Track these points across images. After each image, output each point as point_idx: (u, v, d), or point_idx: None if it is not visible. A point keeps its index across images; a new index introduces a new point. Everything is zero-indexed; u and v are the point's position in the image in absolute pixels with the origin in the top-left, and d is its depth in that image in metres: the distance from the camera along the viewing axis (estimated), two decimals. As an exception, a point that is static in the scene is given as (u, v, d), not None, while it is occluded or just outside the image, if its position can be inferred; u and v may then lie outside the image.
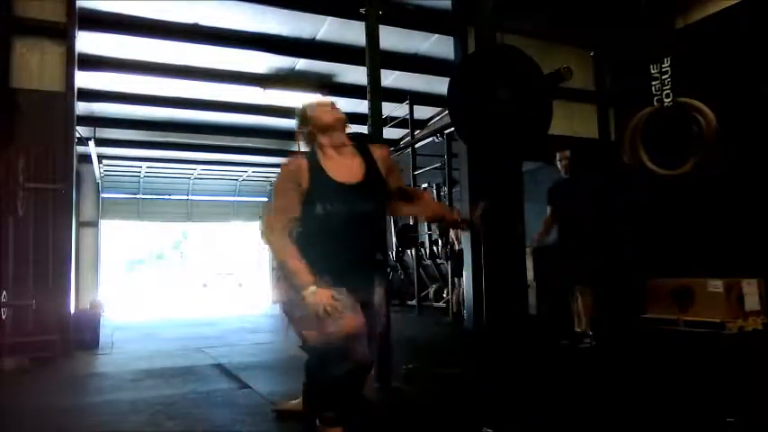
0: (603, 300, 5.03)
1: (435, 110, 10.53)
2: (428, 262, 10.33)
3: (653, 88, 4.46)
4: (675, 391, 3.40)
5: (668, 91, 4.39)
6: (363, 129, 4.24)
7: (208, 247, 28.58)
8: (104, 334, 6.52)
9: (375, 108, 3.94)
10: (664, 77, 4.42)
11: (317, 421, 2.29)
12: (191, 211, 15.36)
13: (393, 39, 7.28)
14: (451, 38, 6.99)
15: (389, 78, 8.55)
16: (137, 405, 3.41)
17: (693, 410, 2.93)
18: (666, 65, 4.42)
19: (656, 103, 4.45)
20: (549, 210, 5.32)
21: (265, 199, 15.85)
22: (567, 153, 5.22)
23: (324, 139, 2.37)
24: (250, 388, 3.82)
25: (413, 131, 9.35)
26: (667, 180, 4.44)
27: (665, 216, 6.03)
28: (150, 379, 4.28)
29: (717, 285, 4.95)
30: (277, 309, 2.40)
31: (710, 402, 3.03)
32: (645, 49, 4.69)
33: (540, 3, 6.24)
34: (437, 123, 10.57)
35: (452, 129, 6.72)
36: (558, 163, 5.26)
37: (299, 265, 2.16)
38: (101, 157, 11.70)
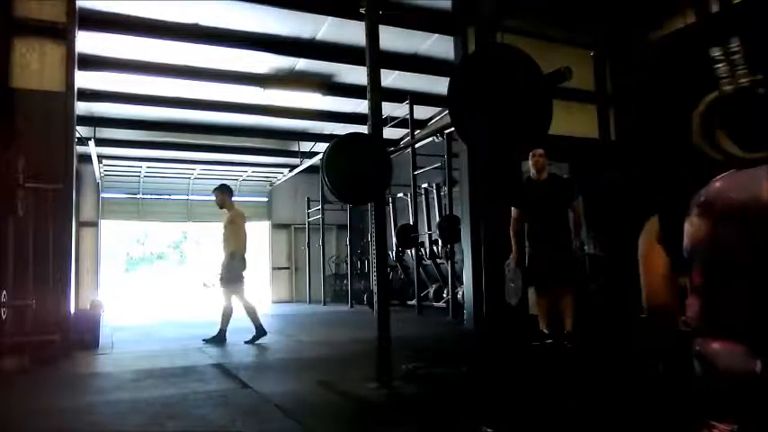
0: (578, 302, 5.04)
1: (435, 110, 10.53)
2: (428, 262, 10.33)
3: (722, 70, 4.23)
4: (675, 390, 3.40)
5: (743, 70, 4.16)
6: (363, 129, 4.24)
7: (208, 247, 28.56)
8: (104, 334, 6.52)
9: (375, 108, 3.94)
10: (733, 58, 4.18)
11: None
12: (191, 211, 15.36)
13: (393, 39, 7.28)
14: (451, 38, 6.99)
15: (389, 78, 8.55)
16: (137, 405, 3.41)
17: (692, 410, 2.93)
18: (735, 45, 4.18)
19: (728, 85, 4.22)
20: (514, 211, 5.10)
21: (265, 199, 15.88)
22: (541, 151, 5.08)
23: None
24: (250, 388, 3.81)
25: (413, 131, 9.36)
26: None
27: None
28: (150, 379, 4.28)
29: (717, 285, 4.95)
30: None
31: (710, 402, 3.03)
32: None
33: (541, 3, 6.23)
34: (437, 123, 10.57)
35: (452, 129, 6.71)
36: (530, 159, 5.09)
37: None
38: (101, 157, 11.71)
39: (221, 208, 6.73)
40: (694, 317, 1.53)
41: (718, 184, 1.50)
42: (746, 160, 1.79)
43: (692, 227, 1.52)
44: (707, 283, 1.49)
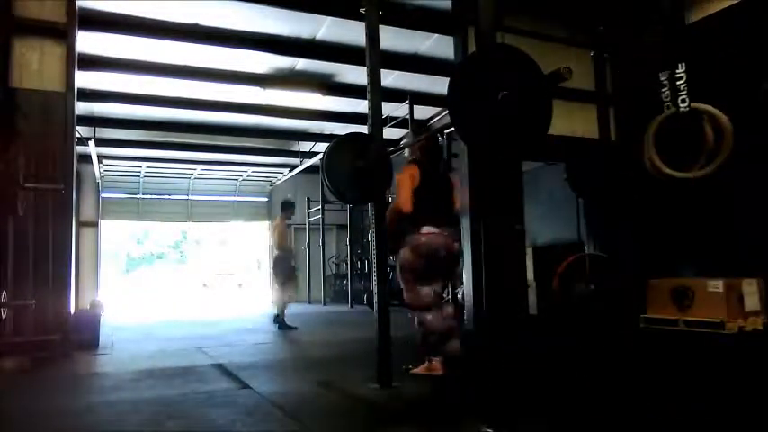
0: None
1: (435, 110, 10.53)
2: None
3: (664, 94, 4.33)
4: (674, 390, 3.40)
5: (684, 96, 4.25)
6: (363, 129, 4.24)
7: (208, 247, 28.60)
8: (104, 334, 6.52)
9: (375, 108, 3.94)
10: (678, 83, 4.26)
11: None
12: (191, 211, 15.37)
13: (393, 39, 7.28)
14: (451, 38, 6.97)
15: (389, 78, 8.55)
16: (137, 405, 3.41)
17: (693, 410, 2.94)
18: (681, 70, 4.26)
19: (671, 108, 4.32)
20: None
21: (265, 199, 15.89)
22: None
23: None
24: (250, 388, 3.81)
25: (413, 131, 9.35)
26: (675, 182, 4.38)
27: (667, 217, 6.01)
28: (150, 379, 4.28)
29: (717, 285, 4.94)
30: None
31: (710, 402, 3.03)
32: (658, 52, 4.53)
33: (540, 3, 6.23)
34: (437, 123, 10.57)
35: (452, 129, 6.71)
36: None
37: None
38: (101, 157, 11.72)
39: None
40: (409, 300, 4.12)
41: (421, 237, 4.01)
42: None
43: (404, 254, 3.98)
44: (412, 279, 4.02)
